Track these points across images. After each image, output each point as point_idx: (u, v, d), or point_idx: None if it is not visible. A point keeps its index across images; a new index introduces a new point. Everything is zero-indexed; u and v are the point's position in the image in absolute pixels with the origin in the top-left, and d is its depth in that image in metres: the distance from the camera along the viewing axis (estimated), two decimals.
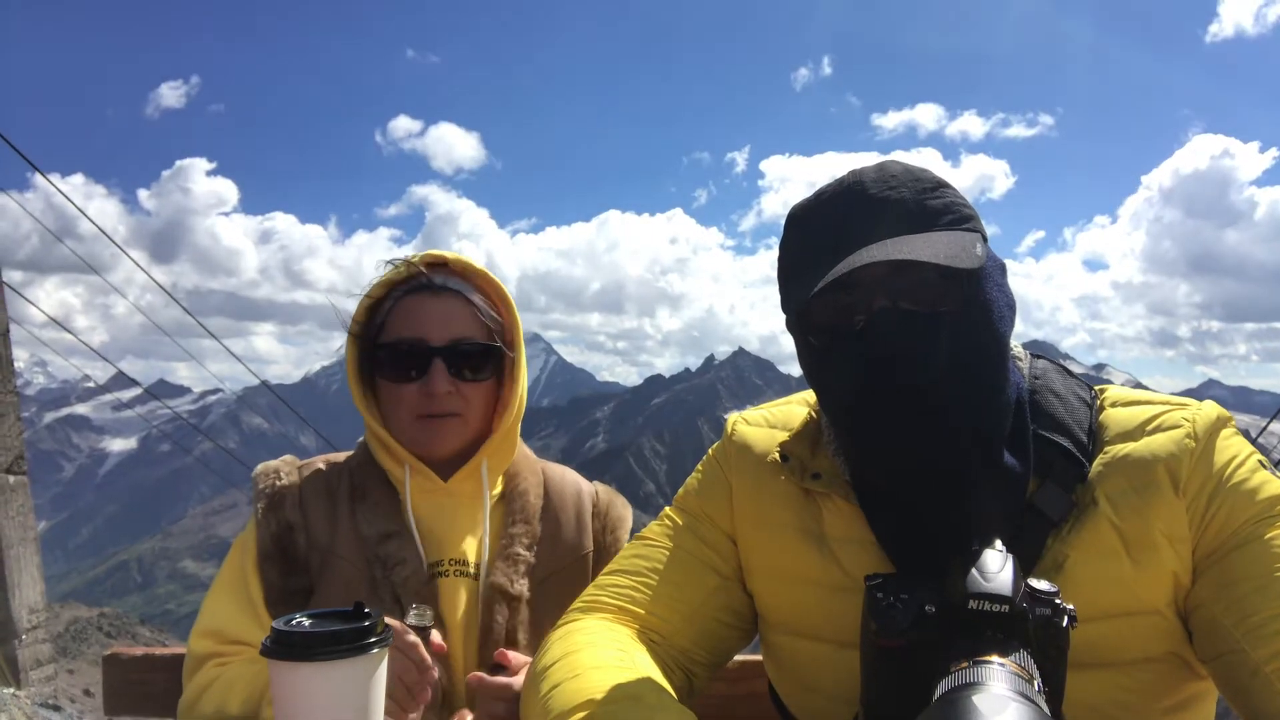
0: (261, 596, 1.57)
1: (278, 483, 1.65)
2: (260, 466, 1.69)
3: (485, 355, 1.64)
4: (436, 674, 1.38)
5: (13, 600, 7.60)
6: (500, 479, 1.76)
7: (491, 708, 1.35)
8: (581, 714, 1.01)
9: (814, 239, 1.17)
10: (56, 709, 7.12)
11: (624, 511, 1.84)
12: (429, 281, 1.63)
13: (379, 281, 1.66)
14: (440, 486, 1.66)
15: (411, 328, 1.61)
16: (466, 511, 1.68)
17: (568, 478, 1.84)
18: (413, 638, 1.34)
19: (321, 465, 1.72)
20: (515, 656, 1.43)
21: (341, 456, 1.75)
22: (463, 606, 1.60)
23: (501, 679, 1.37)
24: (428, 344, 1.59)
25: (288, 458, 1.73)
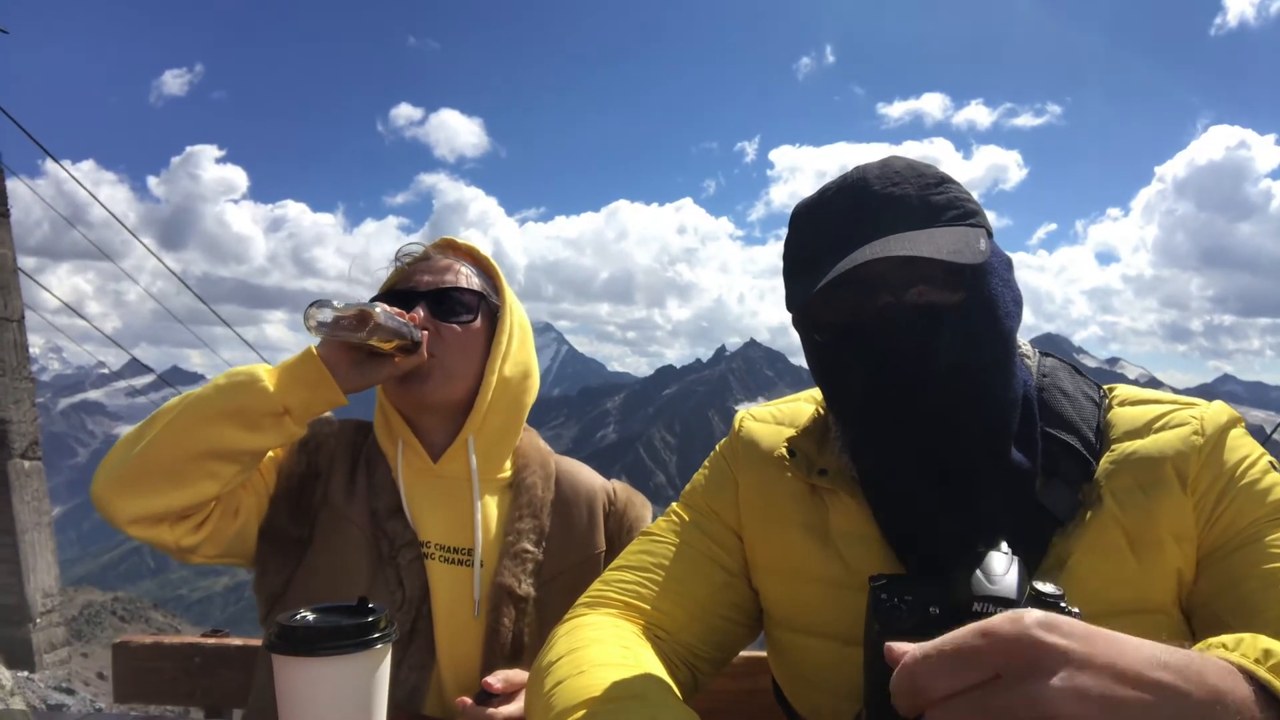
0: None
1: (320, 428, 1.68)
2: None
3: (470, 300, 1.67)
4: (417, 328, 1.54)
5: (27, 584, 7.69)
6: (508, 468, 1.74)
7: None
8: (584, 711, 1.01)
9: (817, 236, 1.16)
10: (70, 692, 7.20)
11: (643, 511, 1.80)
12: (428, 254, 1.73)
13: (396, 270, 1.73)
14: (430, 467, 1.66)
15: (402, 283, 1.69)
16: (454, 494, 1.65)
17: (581, 473, 1.80)
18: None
19: (354, 424, 1.75)
20: (504, 683, 1.40)
21: (369, 422, 1.77)
22: (450, 592, 1.58)
23: (489, 710, 1.36)
24: (413, 290, 1.65)
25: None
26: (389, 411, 1.69)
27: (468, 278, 1.69)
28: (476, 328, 1.67)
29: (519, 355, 1.71)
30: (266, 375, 1.47)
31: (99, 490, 1.45)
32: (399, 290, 1.66)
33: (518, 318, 1.74)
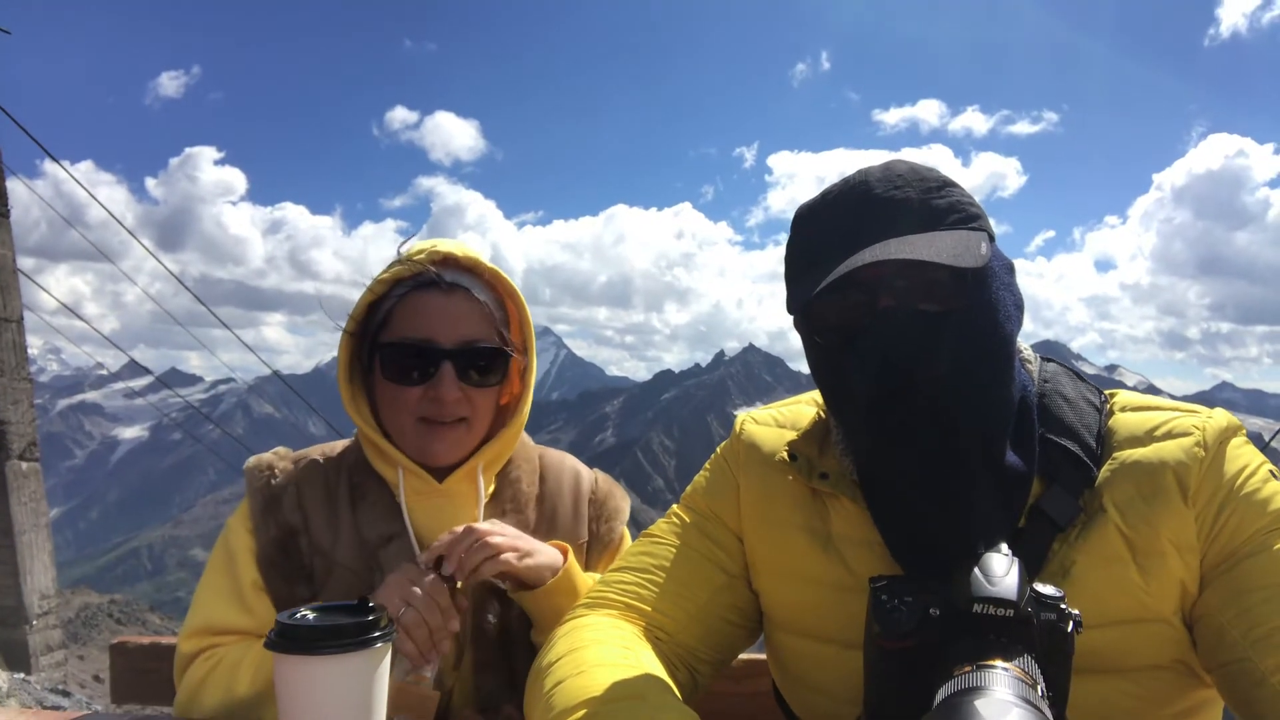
0: (252, 583, 1.53)
1: (273, 480, 1.59)
2: (251, 461, 1.62)
3: (495, 358, 1.56)
4: (457, 626, 1.39)
5: (24, 586, 7.67)
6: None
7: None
8: (583, 711, 1.01)
9: (819, 239, 1.17)
10: (66, 694, 7.18)
11: (622, 503, 1.77)
12: (437, 278, 1.53)
13: (381, 278, 1.55)
14: (435, 488, 1.58)
15: (418, 327, 1.52)
16: (463, 513, 1.60)
17: (566, 464, 1.78)
18: (441, 584, 1.37)
19: (318, 459, 1.64)
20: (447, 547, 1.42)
21: (339, 447, 1.68)
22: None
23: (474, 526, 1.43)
24: (436, 345, 1.51)
25: (280, 450, 1.66)
26: (380, 442, 1.58)
27: (485, 317, 1.56)
28: (499, 382, 1.60)
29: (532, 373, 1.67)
30: None
31: None
32: (414, 341, 1.52)
33: (532, 336, 1.65)
